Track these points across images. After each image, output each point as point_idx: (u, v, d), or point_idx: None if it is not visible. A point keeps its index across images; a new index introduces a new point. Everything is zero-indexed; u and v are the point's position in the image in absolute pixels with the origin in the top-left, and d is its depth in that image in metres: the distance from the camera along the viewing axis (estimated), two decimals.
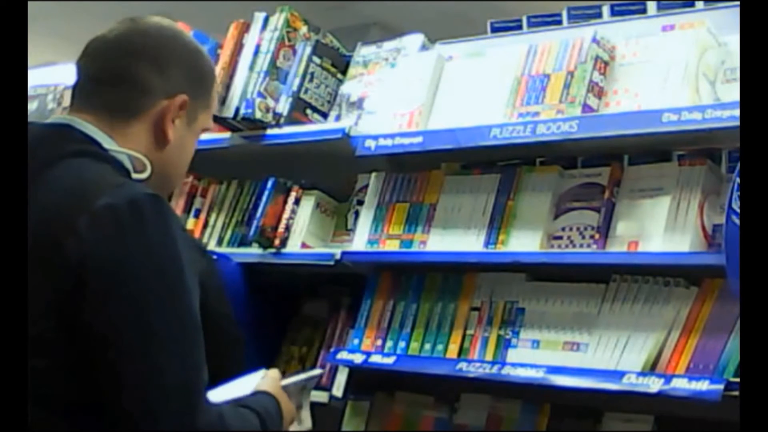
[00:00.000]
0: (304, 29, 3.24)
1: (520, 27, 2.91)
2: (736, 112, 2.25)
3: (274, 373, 1.87)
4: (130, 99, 1.66)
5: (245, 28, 3.28)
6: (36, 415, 1.46)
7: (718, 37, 2.50)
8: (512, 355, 2.58)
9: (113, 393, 1.46)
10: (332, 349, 2.91)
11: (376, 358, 2.76)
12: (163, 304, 1.48)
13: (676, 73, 2.47)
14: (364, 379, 2.88)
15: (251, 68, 3.16)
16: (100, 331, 1.44)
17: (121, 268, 1.46)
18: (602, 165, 2.60)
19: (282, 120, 3.12)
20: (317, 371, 2.15)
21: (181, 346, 1.50)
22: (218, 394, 1.66)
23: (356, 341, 2.85)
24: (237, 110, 3.11)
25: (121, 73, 1.67)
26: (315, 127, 3.10)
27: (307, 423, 1.96)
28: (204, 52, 1.81)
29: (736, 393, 2.17)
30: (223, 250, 3.13)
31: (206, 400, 1.54)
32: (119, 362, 1.45)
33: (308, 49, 3.17)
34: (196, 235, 3.21)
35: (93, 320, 1.44)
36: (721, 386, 2.20)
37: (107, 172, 1.57)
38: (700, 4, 2.61)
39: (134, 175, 1.63)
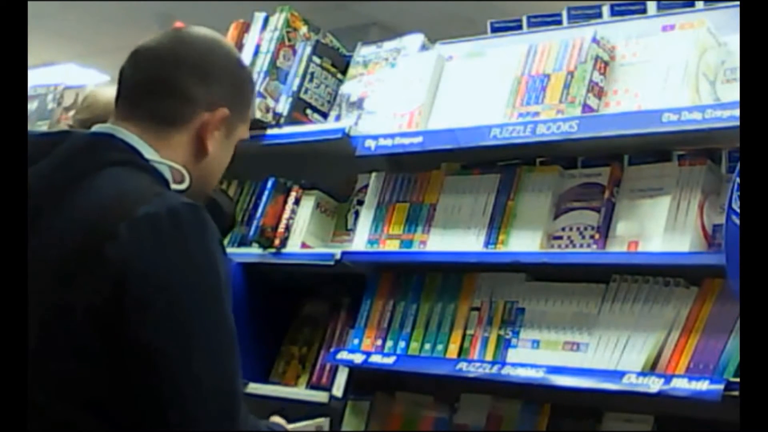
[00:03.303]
0: (304, 29, 3.24)
1: (520, 27, 2.92)
2: (736, 112, 2.25)
3: (279, 419, 1.92)
4: (173, 109, 1.67)
5: (245, 28, 3.28)
6: (75, 418, 1.47)
7: (718, 37, 2.50)
8: (512, 355, 2.58)
9: (153, 399, 1.46)
10: (332, 349, 2.91)
11: (376, 358, 2.76)
12: (201, 313, 1.50)
13: (676, 73, 2.47)
14: (364, 379, 2.88)
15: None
16: (140, 339, 1.45)
17: (161, 277, 1.47)
18: (602, 165, 2.60)
19: (282, 120, 3.12)
20: (322, 420, 2.15)
21: (220, 353, 1.51)
22: None
23: (356, 341, 2.85)
24: None
25: (165, 83, 1.67)
26: (315, 127, 3.10)
27: None
28: (245, 65, 1.83)
29: (736, 393, 2.17)
30: None
31: (244, 407, 1.55)
32: (159, 371, 1.46)
33: (308, 49, 3.17)
34: None
35: (132, 327, 1.45)
36: (721, 386, 2.20)
37: (147, 182, 1.59)
38: (700, 4, 2.61)
39: (173, 186, 1.65)
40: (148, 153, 1.63)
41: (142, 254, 1.47)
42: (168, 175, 1.65)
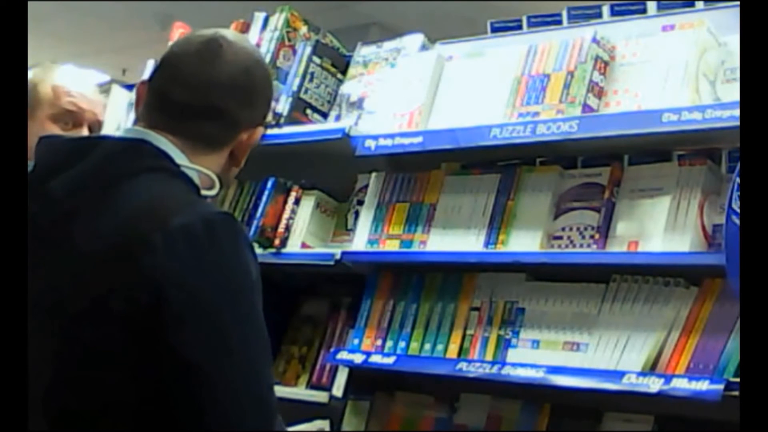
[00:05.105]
0: (304, 29, 3.24)
1: (520, 27, 2.92)
2: (736, 112, 2.25)
3: None
4: (216, 133, 1.68)
5: (245, 28, 3.28)
6: (106, 428, 1.47)
7: (718, 37, 2.50)
8: (512, 355, 2.58)
9: (189, 409, 1.47)
10: (332, 349, 2.91)
11: (376, 358, 2.76)
12: (237, 324, 1.50)
13: (676, 73, 2.47)
14: (364, 379, 2.88)
15: None
16: (176, 350, 1.45)
17: (197, 289, 1.48)
18: (602, 165, 2.60)
19: (282, 120, 3.12)
20: (322, 422, 2.17)
21: (256, 363, 1.52)
22: None
23: (356, 341, 2.85)
24: None
25: (211, 108, 1.66)
26: (315, 127, 3.10)
27: None
28: (270, 74, 1.83)
29: (736, 393, 2.17)
30: None
31: (278, 415, 1.56)
32: (197, 381, 1.46)
33: (308, 49, 3.17)
34: None
35: (168, 338, 1.45)
36: (721, 386, 2.20)
37: (180, 190, 1.59)
38: (700, 4, 2.61)
39: (203, 192, 1.66)
40: (179, 158, 1.63)
41: (178, 266, 1.47)
42: (197, 180, 1.65)
